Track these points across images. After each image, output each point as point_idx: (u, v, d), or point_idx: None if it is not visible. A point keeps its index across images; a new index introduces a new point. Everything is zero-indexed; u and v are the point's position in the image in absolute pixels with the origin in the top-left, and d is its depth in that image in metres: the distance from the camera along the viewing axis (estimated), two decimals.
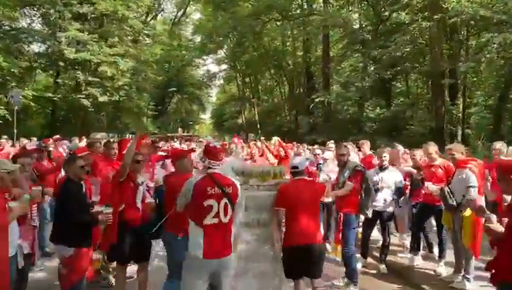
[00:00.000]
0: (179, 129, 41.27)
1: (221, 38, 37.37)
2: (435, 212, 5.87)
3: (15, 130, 15.35)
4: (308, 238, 4.05)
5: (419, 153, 6.38)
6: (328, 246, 6.92)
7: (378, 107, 26.22)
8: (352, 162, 5.44)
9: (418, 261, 6.03)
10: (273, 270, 4.30)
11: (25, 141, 11.00)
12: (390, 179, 5.87)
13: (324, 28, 24.57)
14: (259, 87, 45.33)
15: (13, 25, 21.81)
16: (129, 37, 29.09)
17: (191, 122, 57.76)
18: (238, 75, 44.55)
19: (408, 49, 19.76)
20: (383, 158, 5.93)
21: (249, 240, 4.31)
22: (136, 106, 34.61)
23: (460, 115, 20.86)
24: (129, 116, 34.74)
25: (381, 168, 5.94)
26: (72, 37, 21.55)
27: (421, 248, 6.20)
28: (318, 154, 8.16)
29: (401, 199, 6.18)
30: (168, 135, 33.27)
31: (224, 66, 45.99)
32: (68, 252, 3.74)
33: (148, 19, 35.94)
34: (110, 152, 5.44)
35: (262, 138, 9.10)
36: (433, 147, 5.94)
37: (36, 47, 22.77)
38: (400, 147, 7.83)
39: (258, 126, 39.01)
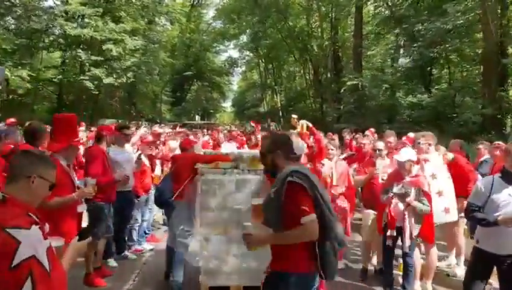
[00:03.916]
0: (197, 117, 39.55)
1: (244, 23, 34.90)
2: None
3: None
4: None
5: None
6: None
7: (414, 93, 23.18)
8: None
9: None
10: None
11: None
12: None
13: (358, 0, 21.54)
14: (282, 73, 42.80)
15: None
16: (145, 19, 26.97)
17: (211, 111, 56.21)
18: (260, 61, 42.07)
19: (461, 21, 16.63)
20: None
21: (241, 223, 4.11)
22: (152, 91, 32.75)
23: None
24: (143, 102, 32.91)
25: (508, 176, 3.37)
26: (74, 11, 19.26)
27: None
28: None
29: None
30: (185, 122, 31.60)
31: (246, 52, 43.62)
32: None
33: None
34: None
35: (294, 115, 6.49)
36: None
37: (36, 24, 20.32)
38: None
39: (281, 114, 36.73)
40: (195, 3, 42.92)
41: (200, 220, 4.53)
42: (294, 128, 7.03)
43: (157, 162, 6.69)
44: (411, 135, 7.18)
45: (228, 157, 4.84)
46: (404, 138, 7.04)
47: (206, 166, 4.67)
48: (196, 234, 4.63)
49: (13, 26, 19.50)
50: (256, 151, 5.48)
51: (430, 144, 4.84)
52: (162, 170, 6.88)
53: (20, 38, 18.98)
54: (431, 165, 4.68)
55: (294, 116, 6.46)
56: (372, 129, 8.02)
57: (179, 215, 4.59)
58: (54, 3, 21.15)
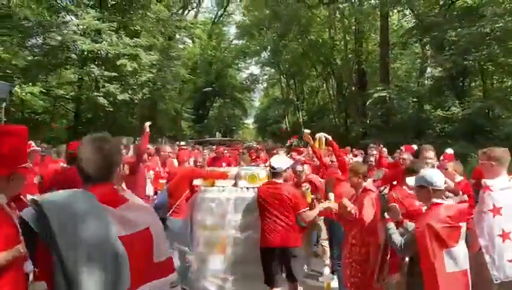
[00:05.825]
0: (217, 134, 39.06)
1: (265, 40, 34.31)
2: None
3: None
4: (269, 242, 4.03)
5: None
6: None
7: (445, 105, 21.59)
8: None
9: None
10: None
11: None
12: None
13: (383, 7, 20.33)
14: (304, 88, 41.87)
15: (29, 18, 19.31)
16: (165, 36, 26.64)
17: (233, 128, 55.75)
18: (281, 76, 41.38)
19: (501, 24, 15.16)
20: None
21: (239, 242, 4.37)
22: (172, 108, 32.32)
23: None
24: (164, 120, 32.42)
25: None
26: (87, 26, 18.81)
27: None
28: None
29: None
30: (207, 139, 31.06)
31: (267, 68, 43.12)
32: None
33: (185, 13, 33.49)
34: None
35: (307, 130, 5.95)
36: None
37: (52, 40, 19.81)
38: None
39: (303, 130, 35.56)
40: (216, 20, 42.83)
41: (197, 239, 4.56)
42: (308, 144, 6.22)
43: (148, 181, 5.77)
44: (449, 151, 5.95)
45: (225, 175, 4.72)
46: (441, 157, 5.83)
47: (204, 183, 4.66)
48: (192, 254, 4.64)
49: (29, 43, 19.22)
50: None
51: (492, 164, 3.39)
52: (156, 192, 5.92)
53: (34, 55, 18.62)
54: (494, 195, 3.26)
55: (306, 131, 5.81)
56: (415, 146, 6.57)
57: (175, 235, 4.70)
58: (71, 18, 20.89)
